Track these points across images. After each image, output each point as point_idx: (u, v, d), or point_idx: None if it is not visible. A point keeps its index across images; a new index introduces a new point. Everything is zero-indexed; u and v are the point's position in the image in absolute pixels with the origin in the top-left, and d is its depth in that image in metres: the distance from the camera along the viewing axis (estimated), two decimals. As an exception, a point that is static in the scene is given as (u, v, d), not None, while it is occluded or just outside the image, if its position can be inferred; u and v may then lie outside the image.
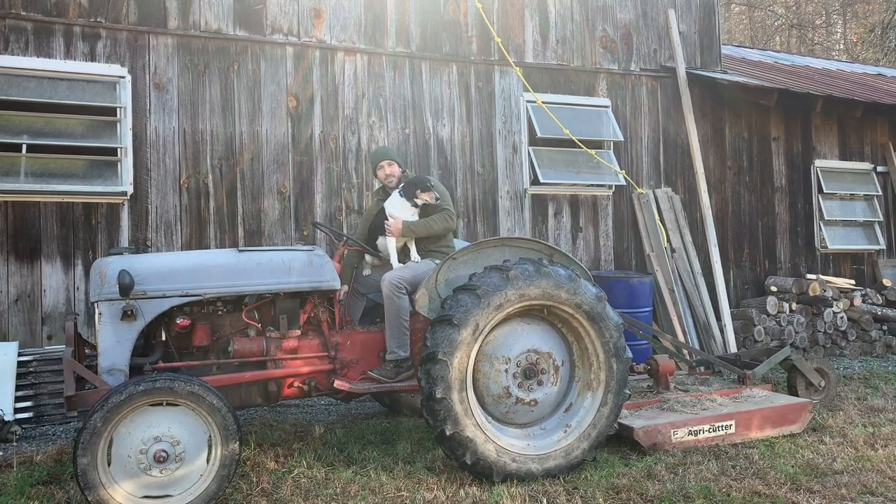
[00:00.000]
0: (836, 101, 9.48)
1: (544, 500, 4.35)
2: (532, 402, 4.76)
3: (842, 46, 27.07)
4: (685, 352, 7.36)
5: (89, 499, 3.91)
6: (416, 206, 5.26)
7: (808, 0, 27.00)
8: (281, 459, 5.08)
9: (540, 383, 4.77)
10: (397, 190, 5.35)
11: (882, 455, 5.07)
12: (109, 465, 3.99)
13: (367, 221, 5.71)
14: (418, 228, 5.25)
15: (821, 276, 9.49)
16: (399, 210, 5.26)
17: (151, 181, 6.99)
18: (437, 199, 5.25)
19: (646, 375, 6.18)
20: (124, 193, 6.87)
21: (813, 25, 26.99)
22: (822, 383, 6.54)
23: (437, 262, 5.04)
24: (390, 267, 5.23)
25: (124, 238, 6.86)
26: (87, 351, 5.07)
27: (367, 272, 5.52)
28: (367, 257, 5.54)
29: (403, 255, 5.34)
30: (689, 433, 5.33)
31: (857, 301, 9.37)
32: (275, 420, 6.15)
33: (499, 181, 8.33)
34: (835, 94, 9.60)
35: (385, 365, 4.97)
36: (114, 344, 4.41)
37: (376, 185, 5.98)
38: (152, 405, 4.07)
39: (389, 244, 5.26)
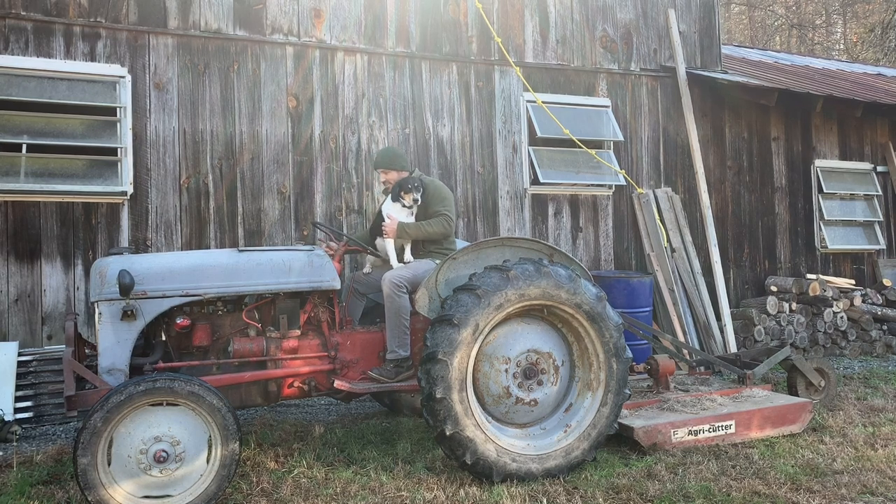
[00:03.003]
0: (836, 101, 9.47)
1: (544, 500, 4.35)
2: (532, 402, 4.76)
3: (842, 46, 27.07)
4: (685, 352, 7.36)
5: (89, 499, 3.91)
6: (406, 206, 5.27)
7: (808, 0, 26.99)
8: (281, 459, 5.08)
9: (540, 383, 4.77)
10: (388, 195, 5.39)
11: (882, 455, 5.07)
12: (109, 465, 3.99)
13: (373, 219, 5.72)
14: (413, 231, 5.24)
15: (821, 276, 9.49)
16: (394, 211, 5.28)
17: (151, 181, 6.99)
18: (414, 200, 5.21)
19: (646, 375, 6.18)
20: (124, 193, 6.87)
21: (813, 25, 27.00)
22: (822, 383, 6.54)
23: (438, 262, 5.05)
24: (391, 266, 5.23)
25: (124, 238, 6.86)
26: (87, 351, 5.07)
27: (367, 270, 5.53)
28: (369, 256, 5.55)
29: (402, 255, 5.34)
30: (689, 433, 5.34)
31: (857, 301, 9.36)
32: (275, 420, 6.15)
33: (499, 181, 8.33)
34: (835, 94, 9.59)
35: (385, 364, 4.98)
36: (114, 344, 4.42)
37: None
38: (152, 405, 4.07)
39: (387, 244, 5.27)
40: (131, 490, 4.02)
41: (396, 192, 5.27)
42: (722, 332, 8.43)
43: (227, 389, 4.65)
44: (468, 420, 4.51)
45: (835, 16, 27.76)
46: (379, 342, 5.07)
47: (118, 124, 6.89)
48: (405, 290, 4.95)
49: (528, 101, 8.46)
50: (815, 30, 27.06)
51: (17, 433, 5.83)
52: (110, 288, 4.39)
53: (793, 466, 4.87)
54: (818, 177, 10.09)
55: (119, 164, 6.88)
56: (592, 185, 8.71)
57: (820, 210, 10.07)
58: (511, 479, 4.56)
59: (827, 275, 9.86)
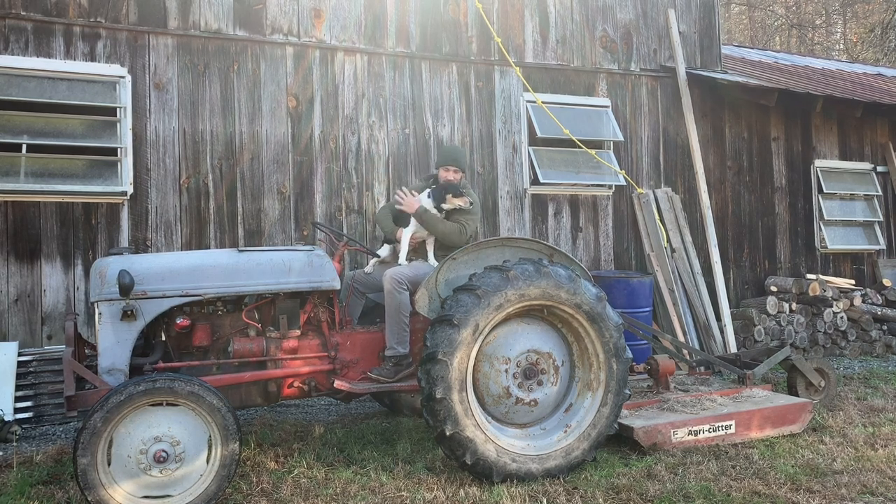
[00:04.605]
0: (836, 101, 9.47)
1: (544, 500, 4.35)
2: (532, 403, 4.76)
3: (842, 46, 27.07)
4: (685, 352, 7.36)
5: (89, 499, 3.91)
6: (441, 210, 5.23)
7: (808, 0, 26.99)
8: (281, 459, 5.08)
9: (540, 383, 4.77)
10: (427, 190, 5.34)
11: (882, 455, 5.08)
12: (109, 465, 3.99)
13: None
14: (429, 220, 5.19)
15: (821, 276, 9.49)
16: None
17: (151, 181, 6.99)
18: (471, 203, 5.22)
19: (646, 375, 6.18)
20: (124, 193, 6.87)
21: (813, 25, 26.99)
22: (822, 383, 6.54)
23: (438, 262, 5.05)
24: (393, 264, 5.22)
25: (124, 238, 6.86)
26: (87, 351, 5.07)
27: (369, 270, 5.51)
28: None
29: (416, 254, 5.33)
30: (689, 433, 5.34)
31: (857, 301, 9.36)
32: (275, 420, 6.15)
33: (499, 181, 8.33)
34: (835, 94, 9.60)
35: (385, 362, 4.97)
36: (114, 344, 4.41)
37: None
38: (152, 405, 4.07)
39: (404, 239, 5.24)
40: (131, 490, 4.02)
41: (441, 195, 5.20)
42: (722, 332, 8.43)
43: (227, 389, 4.65)
44: (468, 420, 4.51)
45: (835, 16, 27.76)
46: (379, 342, 5.07)
47: (118, 124, 6.89)
48: (406, 288, 4.94)
49: (528, 102, 8.46)
50: (815, 30, 27.06)
51: (17, 433, 5.83)
52: (110, 288, 4.39)
53: (793, 466, 4.87)
54: (818, 177, 10.09)
55: (119, 164, 6.88)
56: (592, 185, 8.71)
57: (820, 210, 10.07)
58: (511, 480, 4.56)
59: (827, 275, 9.86)
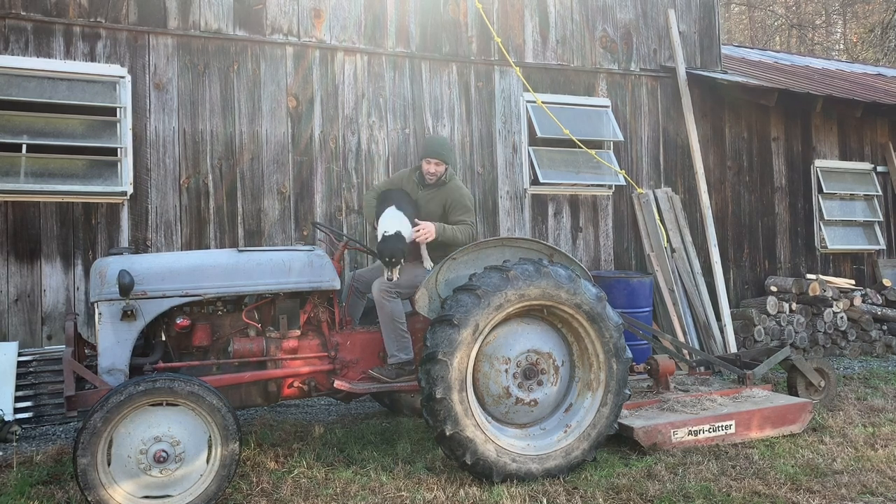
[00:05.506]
0: (836, 101, 9.47)
1: (544, 500, 4.35)
2: (532, 403, 4.76)
3: (842, 46, 27.07)
4: (685, 352, 7.36)
5: (89, 499, 3.91)
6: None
7: (808, 0, 26.99)
8: (281, 459, 5.08)
9: (540, 383, 4.78)
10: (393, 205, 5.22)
11: (882, 455, 5.08)
12: (109, 465, 4.00)
13: (388, 185, 5.60)
14: (449, 236, 5.18)
15: (821, 276, 9.49)
16: (396, 220, 5.08)
17: (151, 181, 6.99)
18: (388, 279, 4.95)
19: (646, 375, 6.18)
20: (124, 193, 6.87)
21: (813, 25, 26.99)
22: (822, 383, 6.54)
23: (432, 264, 5.04)
24: (422, 265, 5.18)
25: (124, 238, 6.86)
26: (87, 351, 5.08)
27: (393, 277, 5.39)
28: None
29: (409, 255, 5.31)
30: (689, 433, 5.34)
31: (857, 301, 9.36)
32: (275, 420, 6.15)
33: (499, 181, 8.33)
34: (835, 94, 9.59)
35: (387, 367, 4.97)
36: (114, 344, 4.42)
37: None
38: (152, 405, 4.07)
39: (419, 239, 5.19)
40: (131, 490, 4.02)
41: (382, 259, 4.91)
42: (722, 332, 8.43)
43: (227, 389, 4.65)
44: (468, 420, 4.51)
45: (835, 16, 27.76)
46: (379, 342, 5.07)
47: (118, 124, 6.89)
48: (395, 294, 4.94)
49: (528, 102, 8.46)
50: (815, 30, 27.06)
51: (17, 433, 5.83)
52: (110, 288, 4.39)
53: (793, 466, 4.87)
54: (818, 177, 10.09)
55: (119, 164, 6.88)
56: (592, 185, 8.70)
57: (820, 210, 10.07)
58: (511, 480, 4.56)
59: (827, 275, 9.86)
